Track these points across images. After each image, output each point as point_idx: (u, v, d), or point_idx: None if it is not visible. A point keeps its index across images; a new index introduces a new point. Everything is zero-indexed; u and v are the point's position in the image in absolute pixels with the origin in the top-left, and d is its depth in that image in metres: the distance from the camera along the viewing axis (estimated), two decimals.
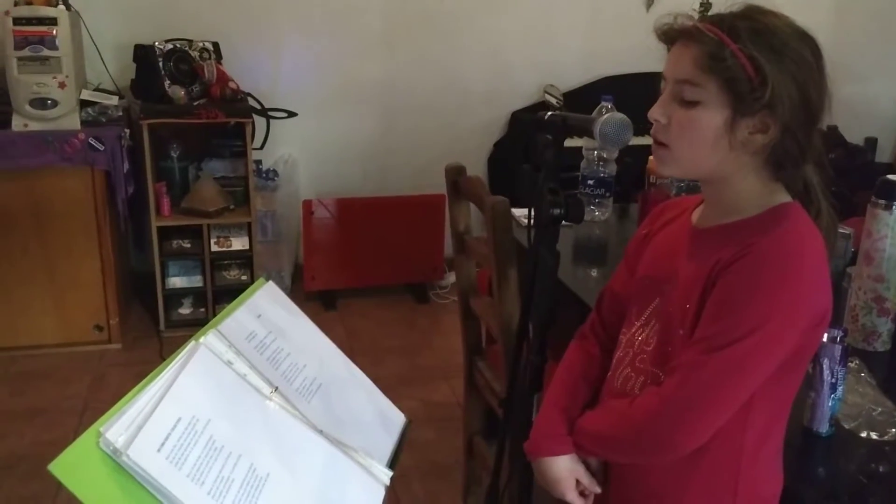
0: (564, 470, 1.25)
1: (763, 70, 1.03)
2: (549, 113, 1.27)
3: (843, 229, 1.87)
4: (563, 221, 1.25)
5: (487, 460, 2.13)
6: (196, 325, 3.35)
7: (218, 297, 3.48)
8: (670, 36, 1.12)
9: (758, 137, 1.08)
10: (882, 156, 4.55)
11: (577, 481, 1.25)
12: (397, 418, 1.31)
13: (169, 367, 1.02)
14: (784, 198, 1.12)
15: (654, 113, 1.12)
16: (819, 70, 1.08)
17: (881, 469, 1.21)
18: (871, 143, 4.44)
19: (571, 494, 1.25)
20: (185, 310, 3.52)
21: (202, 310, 3.49)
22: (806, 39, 1.08)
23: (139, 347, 3.34)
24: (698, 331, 1.08)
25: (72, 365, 3.17)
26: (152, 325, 3.49)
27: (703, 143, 1.09)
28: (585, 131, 1.21)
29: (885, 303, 1.56)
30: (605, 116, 1.18)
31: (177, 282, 3.46)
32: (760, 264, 1.05)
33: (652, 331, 1.20)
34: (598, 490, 1.25)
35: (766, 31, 1.06)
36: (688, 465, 1.14)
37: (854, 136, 4.26)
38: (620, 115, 1.18)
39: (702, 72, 1.06)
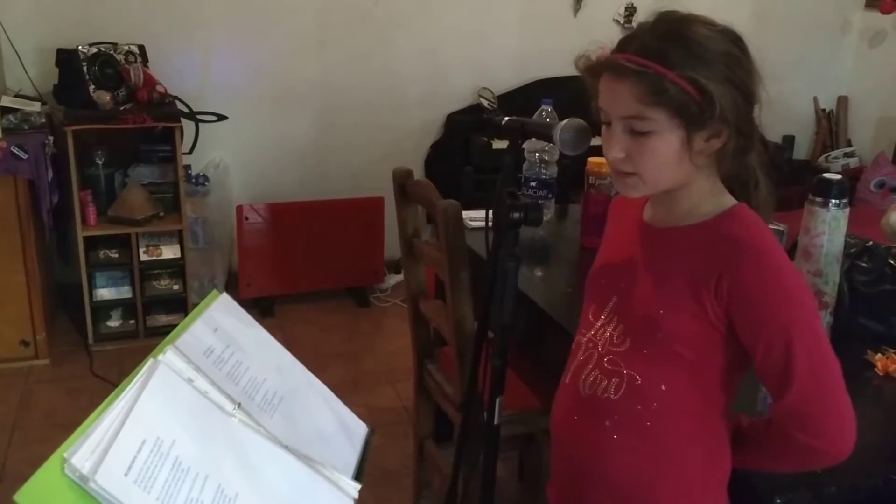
0: None
1: (706, 88, 1.05)
2: (507, 118, 1.28)
3: (777, 226, 1.93)
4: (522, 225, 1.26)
5: (439, 464, 2.13)
6: (126, 337, 3.31)
7: (148, 308, 3.38)
8: (594, 70, 1.12)
9: (714, 143, 1.11)
10: (799, 153, 4.76)
11: None
12: (360, 429, 1.30)
13: (129, 387, 0.98)
14: (731, 199, 1.17)
15: (612, 152, 1.12)
16: (747, 58, 1.11)
17: None
18: (789, 140, 4.63)
19: None
20: (113, 322, 3.40)
21: (132, 322, 3.38)
22: (727, 34, 1.10)
23: (68, 363, 3.21)
24: (765, 379, 1.11)
25: None
26: (80, 339, 3.36)
27: (668, 165, 1.11)
28: (544, 136, 1.22)
29: (824, 297, 1.62)
30: (565, 123, 1.19)
31: (105, 293, 3.34)
32: (753, 276, 1.08)
33: (617, 331, 1.20)
34: None
35: (693, 45, 1.07)
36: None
37: (772, 134, 4.43)
38: (579, 121, 1.20)
39: (647, 106, 1.07)
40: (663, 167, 1.11)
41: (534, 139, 2.15)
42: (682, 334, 1.13)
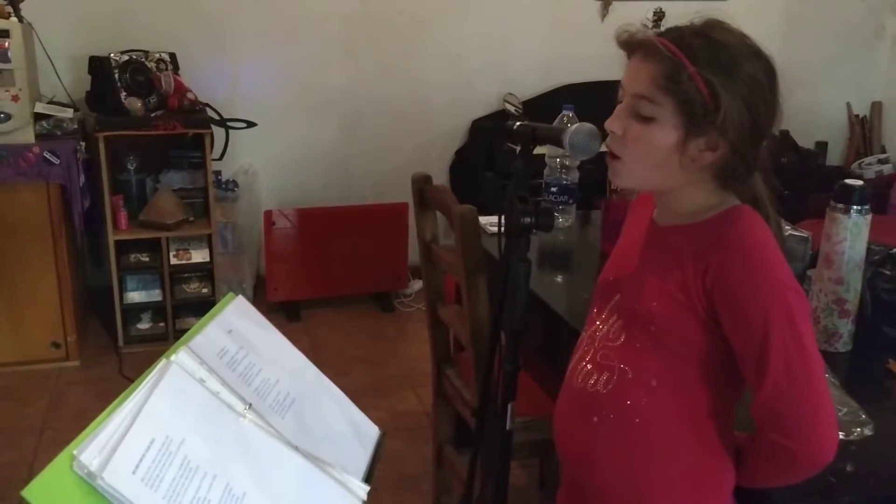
0: None
1: (717, 94, 1.06)
2: (518, 123, 1.28)
3: (801, 232, 1.90)
4: (533, 230, 1.26)
5: (458, 469, 2.13)
6: (155, 340, 3.36)
7: (178, 311, 3.43)
8: (630, 47, 1.14)
9: (707, 155, 1.11)
10: (832, 159, 4.68)
11: None
12: (371, 431, 1.30)
13: (140, 387, 0.99)
14: (735, 201, 1.17)
15: (611, 125, 1.14)
16: (770, 89, 1.11)
17: (848, 468, 1.23)
18: (822, 146, 4.56)
19: None
20: (143, 325, 3.45)
21: (161, 324, 3.43)
22: (760, 58, 1.10)
23: (98, 364, 3.27)
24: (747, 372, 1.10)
25: (29, 384, 3.09)
26: (110, 341, 3.42)
27: (655, 159, 1.12)
28: (555, 141, 1.22)
29: (846, 304, 1.60)
30: (574, 127, 1.19)
31: (135, 296, 3.39)
32: (736, 263, 1.08)
33: (614, 326, 1.22)
34: None
35: (723, 51, 1.08)
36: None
37: (805, 140, 4.37)
38: (589, 126, 1.20)
39: (658, 90, 1.09)
40: (649, 160, 1.12)
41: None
42: (672, 327, 1.13)
